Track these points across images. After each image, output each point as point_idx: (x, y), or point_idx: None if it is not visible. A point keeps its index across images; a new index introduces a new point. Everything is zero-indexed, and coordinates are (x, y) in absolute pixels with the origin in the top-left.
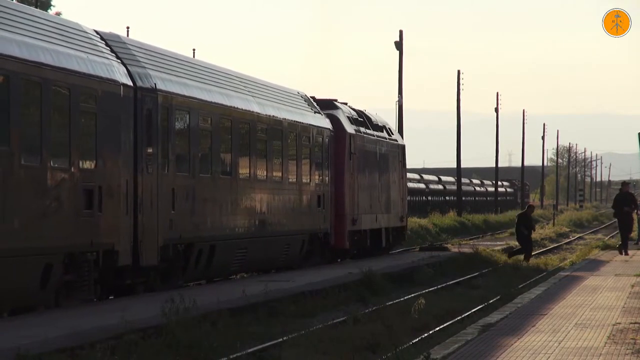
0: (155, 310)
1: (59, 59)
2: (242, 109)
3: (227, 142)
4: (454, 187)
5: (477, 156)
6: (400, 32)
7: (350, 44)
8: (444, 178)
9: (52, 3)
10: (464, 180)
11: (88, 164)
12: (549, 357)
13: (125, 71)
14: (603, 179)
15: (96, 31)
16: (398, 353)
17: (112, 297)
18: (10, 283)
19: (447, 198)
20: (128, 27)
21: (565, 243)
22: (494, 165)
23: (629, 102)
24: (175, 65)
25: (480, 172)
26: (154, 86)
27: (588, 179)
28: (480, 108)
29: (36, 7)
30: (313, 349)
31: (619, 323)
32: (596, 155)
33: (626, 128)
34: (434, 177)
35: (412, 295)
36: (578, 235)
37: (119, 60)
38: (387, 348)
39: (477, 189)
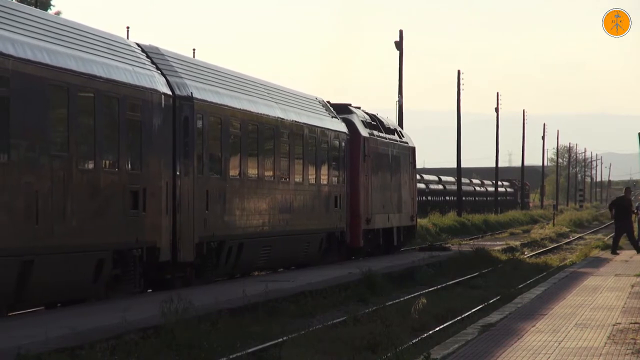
0: (155, 310)
1: (109, 71)
2: (267, 115)
3: (253, 146)
4: (454, 187)
5: (477, 156)
6: (400, 32)
7: (350, 44)
8: (444, 178)
9: (52, 3)
10: (464, 180)
11: (134, 168)
12: (549, 357)
13: (165, 81)
14: (603, 179)
15: (137, 44)
16: (398, 353)
17: (150, 290)
18: (68, 276)
19: (447, 198)
20: (128, 27)
21: (565, 243)
22: (494, 165)
23: (629, 102)
24: (208, 74)
25: (480, 172)
26: (190, 95)
27: (588, 179)
28: (480, 108)
29: (36, 7)
30: (313, 349)
31: (619, 323)
32: (596, 155)
33: (626, 128)
34: (434, 177)
35: (412, 295)
36: (578, 235)
37: (159, 71)
38: (387, 348)
39: (477, 189)
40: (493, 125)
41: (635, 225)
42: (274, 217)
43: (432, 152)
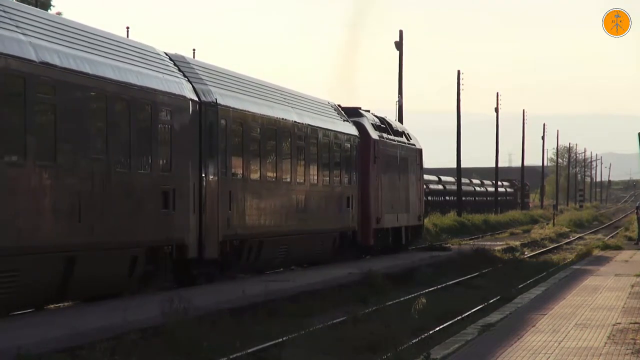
0: (155, 311)
1: (142, 79)
2: (284, 119)
3: (272, 149)
4: (454, 187)
5: (477, 156)
6: (400, 32)
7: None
8: (444, 178)
9: (52, 3)
10: (464, 180)
11: (165, 169)
12: (549, 357)
13: (192, 88)
14: (603, 179)
15: (165, 53)
16: (398, 353)
17: (176, 287)
18: (105, 272)
19: (447, 198)
20: (128, 27)
21: (565, 243)
22: (494, 165)
23: (629, 102)
24: (229, 81)
25: (480, 172)
26: (215, 101)
27: (588, 179)
28: (480, 108)
29: (36, 7)
30: (313, 349)
31: (619, 323)
32: (596, 155)
33: (626, 128)
34: (434, 177)
35: (412, 295)
36: (578, 236)
37: (185, 79)
38: (387, 348)
39: (477, 189)
40: (493, 125)
41: (635, 225)
42: (291, 217)
43: (432, 152)
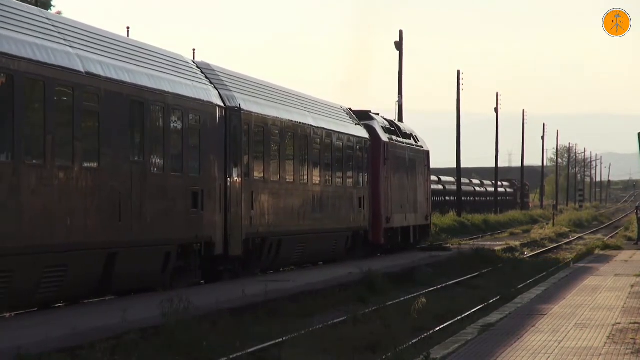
0: (155, 311)
1: (174, 87)
2: (301, 123)
3: (290, 151)
4: (454, 187)
5: (477, 156)
6: (400, 32)
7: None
8: (443, 178)
9: (52, 3)
10: (464, 180)
11: (194, 171)
12: (549, 357)
13: (217, 94)
14: (603, 179)
15: (193, 60)
16: (398, 353)
17: (202, 282)
18: (142, 267)
19: (447, 198)
20: (128, 27)
21: (565, 243)
22: (494, 165)
23: (629, 102)
24: (251, 86)
25: (480, 172)
26: (239, 106)
27: (588, 179)
28: (480, 108)
29: (36, 7)
30: (313, 349)
31: (619, 323)
32: (596, 155)
33: (626, 128)
34: (434, 177)
35: (412, 295)
36: (578, 236)
37: (212, 85)
38: (387, 348)
39: (477, 189)
40: (493, 125)
41: (635, 225)
42: (307, 217)
43: (432, 152)
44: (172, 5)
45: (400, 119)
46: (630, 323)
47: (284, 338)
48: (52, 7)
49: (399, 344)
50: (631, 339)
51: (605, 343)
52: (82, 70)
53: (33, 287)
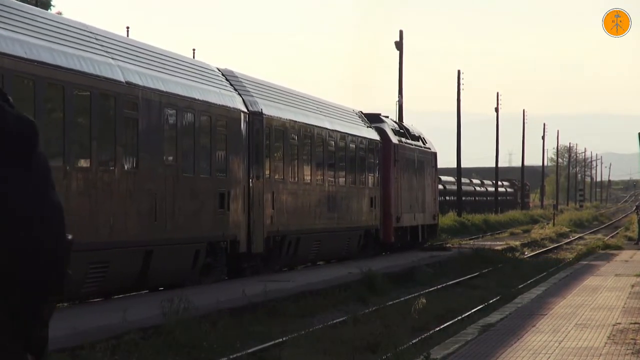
0: (156, 310)
1: (204, 94)
2: (317, 126)
3: (307, 153)
4: (454, 187)
5: (477, 156)
6: (400, 32)
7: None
8: (443, 178)
9: (52, 3)
10: (464, 180)
11: (221, 174)
12: (549, 357)
13: (241, 100)
14: (603, 179)
15: (217, 68)
16: (398, 353)
17: (226, 278)
18: (175, 264)
19: (447, 198)
20: (128, 27)
21: (565, 243)
22: (494, 165)
23: (629, 102)
24: (271, 92)
25: (480, 172)
26: (260, 111)
27: (588, 179)
28: (480, 108)
29: (36, 7)
30: (313, 349)
31: (619, 323)
32: (596, 155)
33: (626, 128)
34: None
35: (412, 295)
36: (578, 235)
37: (236, 92)
38: (387, 348)
39: (477, 189)
40: (493, 125)
41: (636, 225)
42: (323, 216)
43: None
44: (172, 5)
45: (400, 118)
46: (631, 323)
47: (284, 338)
48: (52, 7)
49: (399, 344)
50: (631, 339)
51: (606, 343)
52: (122, 80)
53: (79, 283)
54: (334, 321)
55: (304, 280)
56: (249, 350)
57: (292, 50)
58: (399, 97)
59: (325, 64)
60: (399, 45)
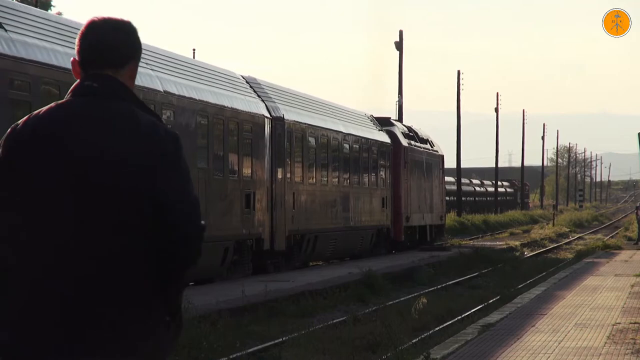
0: None
1: (231, 101)
2: (334, 130)
3: (324, 155)
4: (454, 187)
5: (477, 156)
6: (400, 32)
7: (350, 44)
8: None
9: (52, 3)
10: (464, 180)
11: (247, 175)
12: (548, 357)
13: (264, 106)
14: (603, 179)
15: (242, 75)
16: (398, 353)
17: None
18: (207, 261)
19: (447, 198)
20: None
21: (565, 243)
22: (494, 165)
23: (629, 102)
24: (291, 97)
25: (480, 172)
26: (282, 116)
27: (588, 179)
28: (480, 108)
29: (36, 7)
30: (313, 349)
31: (619, 323)
32: (596, 155)
33: (626, 128)
34: None
35: (412, 295)
36: (578, 236)
37: (259, 98)
38: (387, 348)
39: (477, 189)
40: (493, 125)
41: (635, 225)
42: (339, 215)
43: None
44: (172, 5)
45: (400, 118)
46: (630, 323)
47: (284, 338)
48: (52, 7)
49: (399, 344)
50: (631, 339)
51: (605, 343)
52: (161, 89)
53: None
54: (334, 321)
55: (304, 280)
56: (249, 350)
57: (292, 50)
58: (399, 97)
59: (325, 64)
60: (398, 45)
